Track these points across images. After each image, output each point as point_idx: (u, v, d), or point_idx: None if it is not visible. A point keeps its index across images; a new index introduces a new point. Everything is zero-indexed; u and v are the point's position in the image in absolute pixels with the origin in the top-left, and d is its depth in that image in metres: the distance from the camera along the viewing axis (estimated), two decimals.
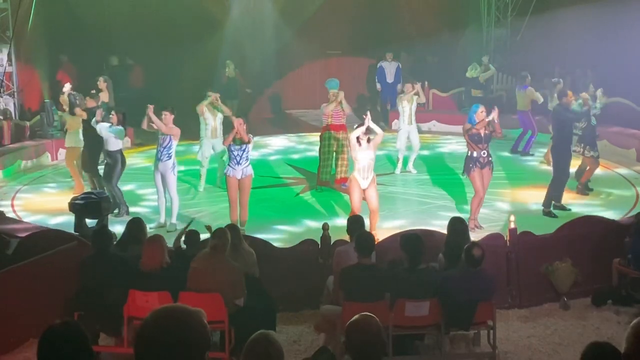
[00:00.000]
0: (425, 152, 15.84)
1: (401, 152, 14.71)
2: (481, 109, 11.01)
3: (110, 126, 11.78)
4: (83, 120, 12.66)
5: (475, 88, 17.64)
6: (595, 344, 3.95)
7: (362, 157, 10.27)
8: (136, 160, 15.61)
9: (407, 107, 14.48)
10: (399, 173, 14.65)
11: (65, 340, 3.40)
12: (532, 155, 16.08)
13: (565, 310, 8.61)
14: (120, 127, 11.77)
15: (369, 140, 10.38)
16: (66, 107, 13.84)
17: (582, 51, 17.28)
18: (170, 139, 11.08)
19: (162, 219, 11.38)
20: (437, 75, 20.99)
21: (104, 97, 15.11)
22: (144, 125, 11.44)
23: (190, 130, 13.95)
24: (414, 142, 14.63)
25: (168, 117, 11.15)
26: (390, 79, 20.16)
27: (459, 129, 14.15)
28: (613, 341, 4.02)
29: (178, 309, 2.95)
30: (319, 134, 13.51)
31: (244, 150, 10.68)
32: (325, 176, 13.34)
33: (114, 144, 11.77)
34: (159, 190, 11.37)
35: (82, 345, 3.43)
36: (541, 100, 15.76)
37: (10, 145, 15.63)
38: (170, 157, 11.11)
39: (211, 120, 13.10)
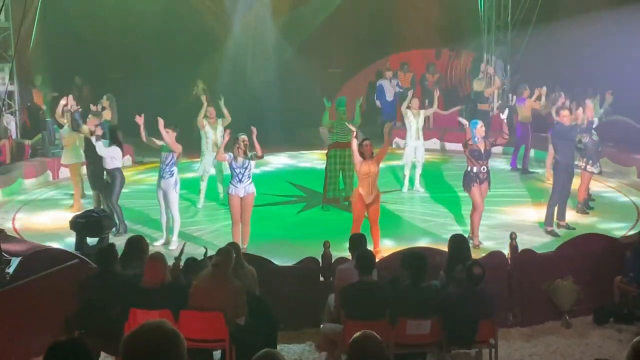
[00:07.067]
0: (427, 170, 15.85)
1: (407, 167, 14.67)
2: (480, 124, 11.08)
3: (107, 145, 11.84)
4: (85, 137, 12.72)
5: (481, 102, 17.67)
6: None
7: (365, 171, 10.34)
8: (137, 177, 15.63)
9: (413, 122, 14.42)
10: (406, 191, 14.62)
11: (70, 355, 3.41)
12: (533, 173, 16.07)
13: (567, 328, 8.58)
14: (118, 149, 11.82)
15: (372, 155, 10.45)
16: (63, 122, 13.86)
17: (582, 68, 17.32)
18: (172, 156, 11.11)
19: (165, 237, 11.40)
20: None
21: (107, 115, 15.16)
22: (144, 138, 11.43)
23: (191, 147, 13.96)
24: (419, 158, 14.60)
25: (170, 134, 11.20)
26: (389, 97, 20.22)
27: (459, 146, 14.15)
28: None
29: (153, 326, 3.10)
30: (321, 151, 13.56)
31: (246, 168, 10.68)
32: (332, 193, 13.34)
33: (112, 161, 11.80)
34: (162, 208, 11.39)
35: None
36: (541, 106, 15.79)
37: (11, 164, 15.66)
38: (172, 175, 11.15)
39: (211, 134, 13.16)
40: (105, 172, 12.01)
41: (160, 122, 11.12)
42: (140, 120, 11.30)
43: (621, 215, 12.83)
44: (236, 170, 10.68)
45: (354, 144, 10.60)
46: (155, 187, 11.48)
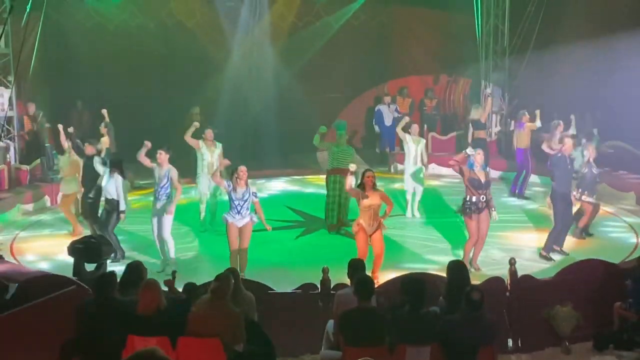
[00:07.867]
0: (427, 195, 15.82)
1: (409, 193, 14.66)
2: (478, 151, 11.12)
3: (107, 172, 11.85)
4: (83, 167, 12.77)
5: (478, 129, 17.76)
6: None
7: (367, 204, 10.31)
8: (136, 203, 15.61)
9: (412, 147, 14.44)
10: (410, 217, 14.58)
11: None
12: (528, 199, 16.06)
13: (567, 354, 8.55)
14: (121, 178, 11.81)
15: (374, 187, 10.42)
16: (66, 146, 13.96)
17: (580, 94, 17.38)
18: (168, 179, 11.10)
19: (163, 261, 11.35)
20: (435, 118, 21.14)
21: (106, 143, 15.17)
22: (141, 157, 11.57)
23: (188, 171, 13.96)
24: (418, 184, 14.58)
25: (163, 156, 11.21)
26: (388, 122, 20.26)
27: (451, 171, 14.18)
28: None
29: (145, 355, 3.24)
30: (320, 176, 13.59)
31: (245, 201, 10.61)
32: (332, 220, 13.33)
33: (113, 191, 11.75)
34: (154, 232, 11.35)
35: None
36: (539, 125, 15.81)
37: (9, 190, 15.64)
38: (168, 197, 11.14)
39: (208, 155, 13.14)
40: (105, 201, 11.99)
41: (145, 147, 11.40)
42: (148, 145, 11.54)
43: (619, 240, 12.85)
44: (235, 202, 10.60)
45: (350, 182, 10.65)
46: (151, 209, 11.49)
